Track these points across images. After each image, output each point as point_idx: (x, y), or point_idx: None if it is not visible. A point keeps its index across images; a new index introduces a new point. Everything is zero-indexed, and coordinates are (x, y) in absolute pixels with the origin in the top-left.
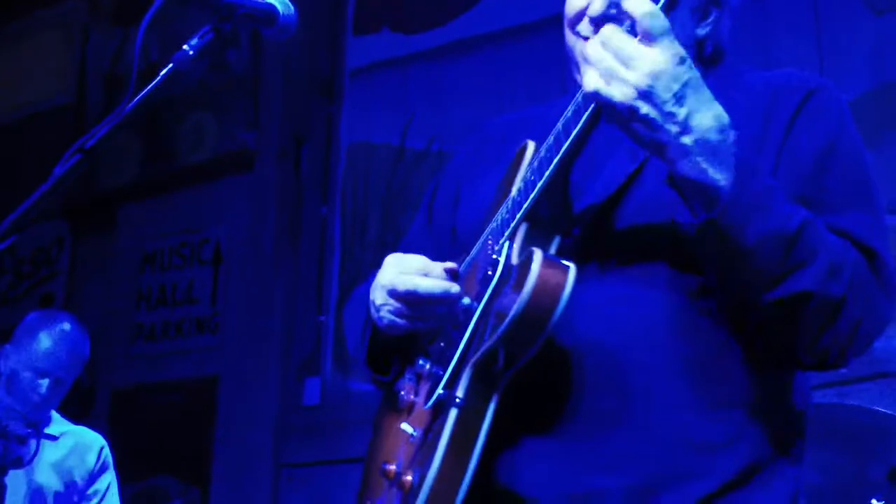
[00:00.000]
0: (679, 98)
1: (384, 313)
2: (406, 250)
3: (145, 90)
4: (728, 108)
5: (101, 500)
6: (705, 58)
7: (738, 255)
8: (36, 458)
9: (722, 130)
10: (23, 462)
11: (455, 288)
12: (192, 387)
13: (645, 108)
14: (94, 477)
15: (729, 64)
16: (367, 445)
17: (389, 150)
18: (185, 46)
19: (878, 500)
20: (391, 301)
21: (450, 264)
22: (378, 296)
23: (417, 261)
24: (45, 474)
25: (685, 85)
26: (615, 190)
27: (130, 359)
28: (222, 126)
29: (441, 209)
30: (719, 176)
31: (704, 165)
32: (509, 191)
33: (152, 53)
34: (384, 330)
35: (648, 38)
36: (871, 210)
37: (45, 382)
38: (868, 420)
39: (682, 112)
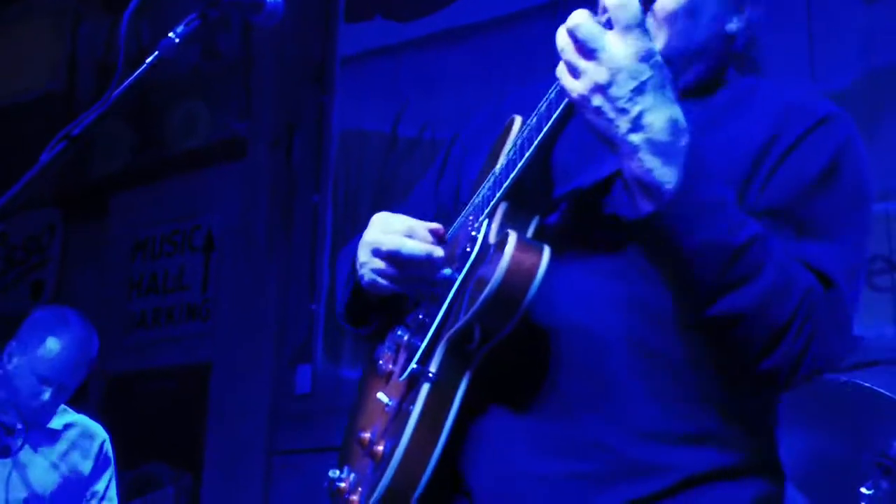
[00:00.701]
0: (634, 95)
1: (366, 271)
2: (412, 203)
3: (132, 77)
4: (733, 120)
5: (102, 500)
6: (737, 53)
7: (676, 261)
8: (31, 453)
9: (674, 133)
10: (10, 451)
11: (438, 252)
12: (184, 374)
13: (597, 101)
14: (94, 474)
15: (752, 76)
16: (350, 408)
17: (382, 137)
18: (170, 34)
19: (867, 489)
20: (374, 260)
21: (435, 225)
22: (362, 253)
23: (402, 221)
24: (44, 472)
25: (644, 83)
26: (602, 179)
27: (123, 346)
28: (214, 114)
29: (451, 169)
30: (666, 178)
31: (650, 165)
32: (494, 164)
33: (143, 38)
34: (366, 288)
35: (619, 29)
36: (848, 242)
37: (47, 390)
38: (872, 401)
39: (634, 109)
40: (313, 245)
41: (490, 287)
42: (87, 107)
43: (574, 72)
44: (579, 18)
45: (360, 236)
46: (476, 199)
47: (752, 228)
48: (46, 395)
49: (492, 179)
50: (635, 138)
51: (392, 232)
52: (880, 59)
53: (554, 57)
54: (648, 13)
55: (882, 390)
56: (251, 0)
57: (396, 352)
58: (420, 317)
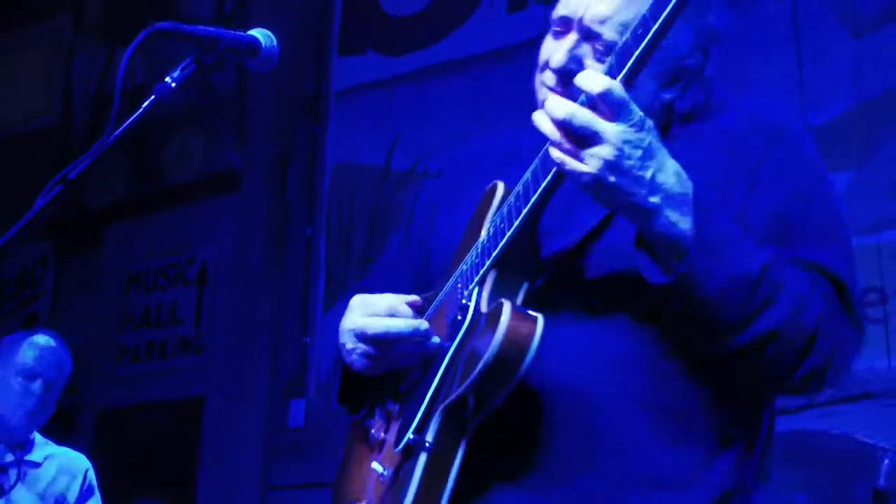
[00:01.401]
0: (644, 161)
1: (355, 357)
2: (382, 271)
3: (127, 122)
4: (695, 159)
5: None
6: (680, 115)
7: (704, 303)
8: (17, 485)
9: (683, 184)
10: (3, 491)
11: (424, 325)
12: (177, 407)
13: (612, 178)
14: (79, 502)
15: (725, 110)
16: (336, 475)
17: (375, 170)
18: (167, 79)
19: None
20: (360, 345)
21: (414, 298)
22: (347, 340)
23: (383, 301)
24: (31, 500)
25: (647, 148)
26: (582, 238)
27: (115, 379)
28: (209, 147)
29: (418, 234)
30: (686, 226)
31: (674, 219)
32: (479, 233)
33: (139, 75)
34: (359, 371)
35: (610, 112)
36: (840, 243)
37: (37, 384)
38: (851, 447)
39: (648, 174)
40: (307, 278)
41: (486, 358)
42: (82, 138)
43: (577, 157)
44: (567, 108)
45: (334, 315)
46: (464, 267)
47: (763, 252)
48: (38, 389)
49: (479, 248)
50: (656, 200)
51: (373, 314)
52: (870, 90)
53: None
54: None
55: (856, 434)
56: (247, 46)
57: (388, 421)
58: (411, 387)
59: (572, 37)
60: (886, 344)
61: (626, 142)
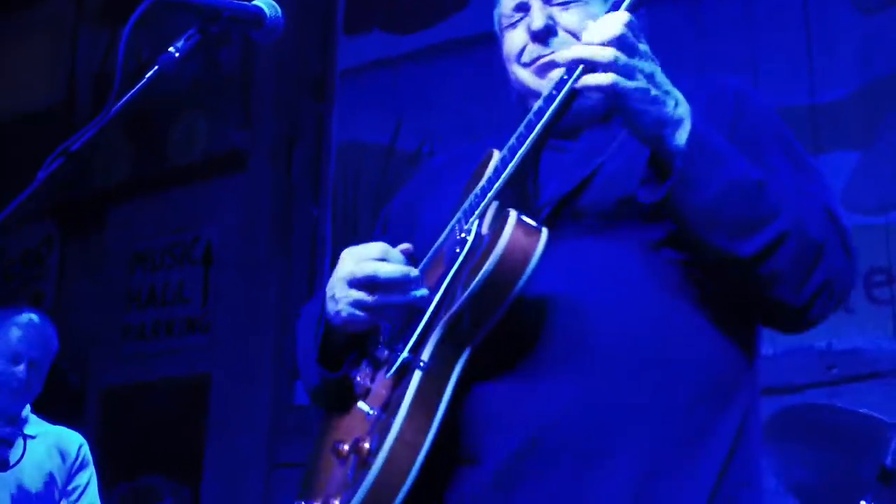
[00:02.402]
0: (664, 77)
1: (343, 305)
2: None
3: (131, 92)
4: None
5: (81, 494)
6: None
7: (709, 209)
8: (22, 460)
9: (682, 97)
10: (8, 465)
11: (414, 272)
12: (183, 386)
13: (654, 92)
14: (73, 474)
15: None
16: (308, 454)
17: (380, 149)
18: (170, 49)
19: (867, 502)
20: (350, 291)
21: (406, 245)
22: (337, 289)
23: (374, 247)
24: (28, 473)
25: (662, 70)
26: (578, 183)
27: (121, 359)
28: (214, 126)
29: (396, 224)
30: (688, 135)
31: (688, 130)
32: (473, 189)
33: (143, 53)
34: (340, 326)
35: (636, 38)
36: (819, 177)
37: (21, 367)
38: (858, 422)
39: (671, 89)
40: (312, 257)
41: (489, 265)
42: (86, 119)
43: (631, 73)
44: (620, 18)
45: (311, 304)
46: (459, 215)
47: (760, 169)
48: (22, 372)
49: (478, 191)
50: (682, 111)
51: (365, 259)
52: (878, 69)
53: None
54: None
55: (864, 410)
56: (251, 16)
57: (375, 368)
58: (400, 331)
59: (536, 4)
60: (894, 324)
61: (651, 58)
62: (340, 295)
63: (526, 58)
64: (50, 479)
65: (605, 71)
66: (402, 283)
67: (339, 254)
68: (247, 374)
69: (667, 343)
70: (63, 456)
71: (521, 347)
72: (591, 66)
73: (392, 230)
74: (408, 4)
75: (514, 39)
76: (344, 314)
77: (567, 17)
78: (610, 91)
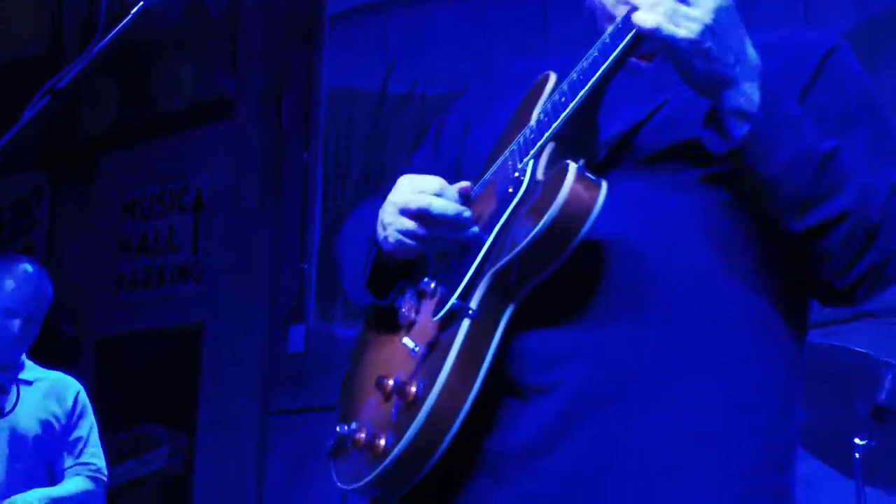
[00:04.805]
0: (733, 29)
1: (391, 232)
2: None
3: (115, 29)
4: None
5: (85, 446)
6: None
7: (770, 177)
8: (16, 406)
9: (757, 56)
10: (2, 412)
11: (467, 212)
12: (176, 335)
13: (707, 43)
14: (72, 424)
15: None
16: (350, 362)
17: (371, 95)
18: None
19: (860, 440)
20: (402, 219)
21: (464, 184)
22: (388, 214)
23: (432, 181)
24: (24, 418)
25: (735, 17)
26: (641, 120)
27: (114, 307)
28: (200, 73)
29: (447, 142)
30: (756, 99)
31: (749, 91)
32: (528, 118)
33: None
34: (389, 252)
35: None
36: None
37: (16, 322)
38: (851, 360)
39: (736, 43)
40: (304, 204)
41: (545, 220)
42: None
43: (677, 19)
44: None
45: (362, 210)
46: (514, 147)
47: (832, 139)
48: (16, 328)
49: (534, 125)
50: (740, 70)
51: (420, 191)
52: (875, 7)
53: (545, 13)
54: None
55: (860, 349)
56: None
57: (420, 300)
58: (450, 266)
59: None
60: None
61: (720, 8)
62: (390, 220)
63: None
64: (47, 425)
65: (649, 11)
66: (453, 222)
67: (330, 199)
68: (239, 322)
69: (720, 297)
70: (60, 402)
71: (574, 294)
72: (635, 6)
73: (444, 149)
74: None
75: None
76: (392, 240)
77: None
78: (652, 36)
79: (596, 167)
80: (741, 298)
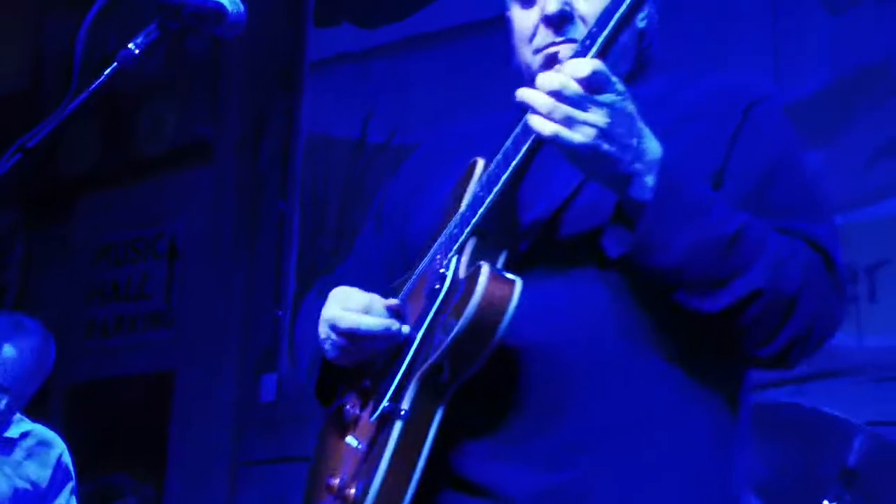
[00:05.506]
0: (631, 129)
1: (328, 346)
2: (356, 260)
3: (87, 90)
4: (666, 120)
5: None
6: (644, 51)
7: (673, 268)
8: None
9: (658, 149)
10: None
11: (396, 325)
12: (147, 382)
13: (605, 146)
14: (54, 487)
15: (662, 73)
16: (309, 465)
17: (349, 143)
18: (130, 45)
19: (829, 502)
20: (333, 336)
21: (392, 301)
22: (322, 329)
23: (360, 298)
24: (3, 478)
25: (633, 116)
26: (559, 205)
27: (85, 353)
28: (181, 117)
29: (390, 220)
30: (650, 195)
31: (651, 184)
32: (458, 206)
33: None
34: (332, 360)
35: (598, 88)
36: (822, 217)
37: (3, 399)
38: (820, 421)
39: (634, 141)
40: (279, 251)
41: (463, 321)
42: (52, 105)
43: (574, 126)
44: (559, 79)
45: (316, 303)
46: (442, 239)
47: (741, 215)
48: (2, 404)
49: (458, 218)
50: (639, 166)
51: (349, 308)
52: (844, 69)
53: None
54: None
55: (828, 410)
56: (212, 12)
57: (363, 398)
58: (386, 364)
59: None
60: (857, 322)
61: (615, 110)
62: (325, 335)
63: (537, 42)
64: (22, 493)
65: (548, 119)
66: (381, 336)
67: (306, 248)
68: (211, 371)
69: (643, 402)
70: (42, 465)
71: (499, 400)
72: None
73: (387, 229)
74: None
75: (527, 20)
76: (330, 355)
77: (584, 5)
78: (551, 142)
79: (518, 258)
80: (662, 386)
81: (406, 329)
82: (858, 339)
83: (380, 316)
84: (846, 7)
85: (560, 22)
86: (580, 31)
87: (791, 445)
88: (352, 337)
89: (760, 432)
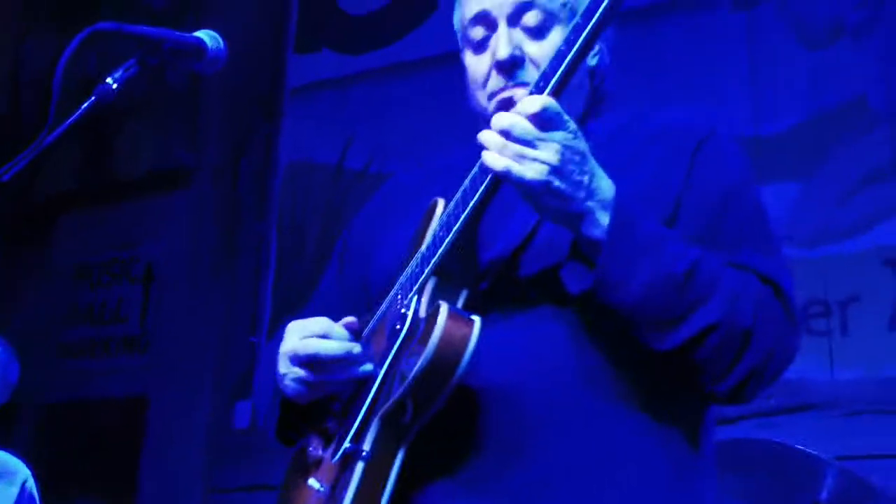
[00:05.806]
0: (582, 167)
1: (288, 382)
2: (319, 302)
3: (65, 123)
4: (617, 157)
5: None
6: (597, 88)
7: (628, 306)
8: None
9: (611, 188)
10: None
11: (357, 348)
12: (119, 406)
13: (557, 182)
14: None
15: (614, 109)
16: (277, 499)
17: (328, 169)
18: (108, 79)
19: None
20: (294, 369)
21: (349, 319)
22: (282, 365)
23: (318, 324)
24: None
25: (584, 154)
26: (519, 243)
27: (58, 376)
28: (160, 142)
29: (352, 260)
30: (603, 232)
31: (603, 221)
32: (419, 246)
33: (90, 67)
34: (292, 398)
35: (549, 126)
36: (771, 249)
37: None
38: (791, 456)
39: (586, 179)
40: (256, 277)
41: (423, 360)
42: (30, 128)
43: (525, 162)
44: (509, 118)
45: (274, 343)
46: (402, 279)
47: (692, 251)
48: None
49: (419, 258)
50: (591, 204)
51: (307, 336)
52: (821, 104)
53: None
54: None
55: (802, 447)
56: (192, 48)
57: (325, 439)
58: (347, 404)
59: (503, 27)
60: (830, 356)
61: (566, 147)
62: (284, 371)
63: (490, 87)
64: None
65: (499, 155)
66: (343, 360)
67: (283, 275)
68: (185, 397)
69: (603, 440)
70: (5, 490)
71: (460, 441)
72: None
73: (348, 270)
74: (358, 25)
75: (479, 66)
76: (289, 391)
77: (535, 48)
78: (503, 178)
79: (478, 297)
80: (621, 426)
81: (369, 367)
82: (831, 372)
83: (339, 339)
84: (824, 43)
85: (511, 67)
86: (531, 74)
87: (763, 481)
88: (312, 365)
89: (733, 467)
